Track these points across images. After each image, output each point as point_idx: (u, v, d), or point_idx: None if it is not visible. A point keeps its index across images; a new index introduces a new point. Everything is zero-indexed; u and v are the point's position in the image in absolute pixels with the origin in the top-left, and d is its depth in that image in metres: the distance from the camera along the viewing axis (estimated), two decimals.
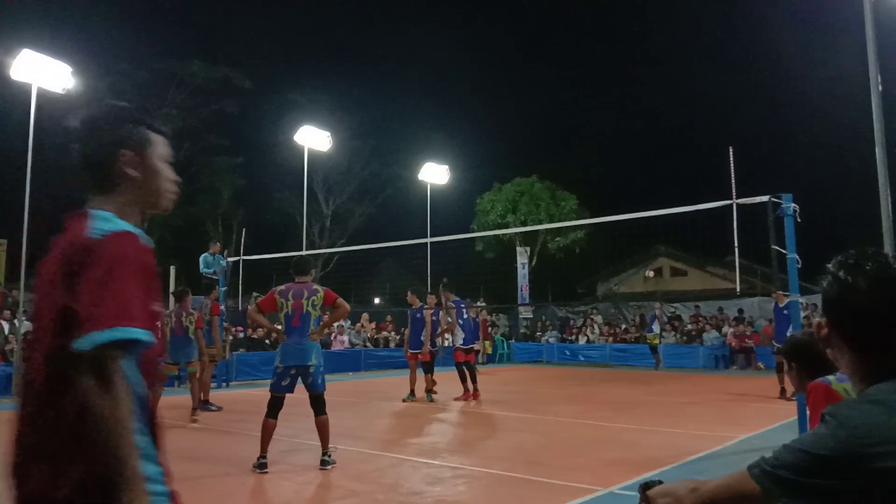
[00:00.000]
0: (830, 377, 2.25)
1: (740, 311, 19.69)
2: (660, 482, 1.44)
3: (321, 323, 6.29)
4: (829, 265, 1.29)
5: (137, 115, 1.70)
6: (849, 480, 1.08)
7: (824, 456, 1.10)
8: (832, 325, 1.28)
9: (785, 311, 11.52)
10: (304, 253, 17.13)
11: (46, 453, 1.42)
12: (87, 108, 1.67)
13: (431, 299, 11.50)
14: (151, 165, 1.68)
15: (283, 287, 6.15)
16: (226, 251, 16.31)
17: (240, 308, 19.15)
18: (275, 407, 5.85)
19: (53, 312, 1.45)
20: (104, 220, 1.52)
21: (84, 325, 1.36)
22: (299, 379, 5.93)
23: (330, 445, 5.99)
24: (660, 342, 18.62)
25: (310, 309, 6.00)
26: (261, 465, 5.70)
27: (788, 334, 11.42)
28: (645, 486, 1.45)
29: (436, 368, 11.46)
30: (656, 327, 18.40)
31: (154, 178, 1.68)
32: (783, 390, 11.16)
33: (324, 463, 5.89)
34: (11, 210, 14.56)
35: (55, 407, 1.42)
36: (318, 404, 5.95)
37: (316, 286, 6.22)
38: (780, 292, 11.71)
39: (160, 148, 1.71)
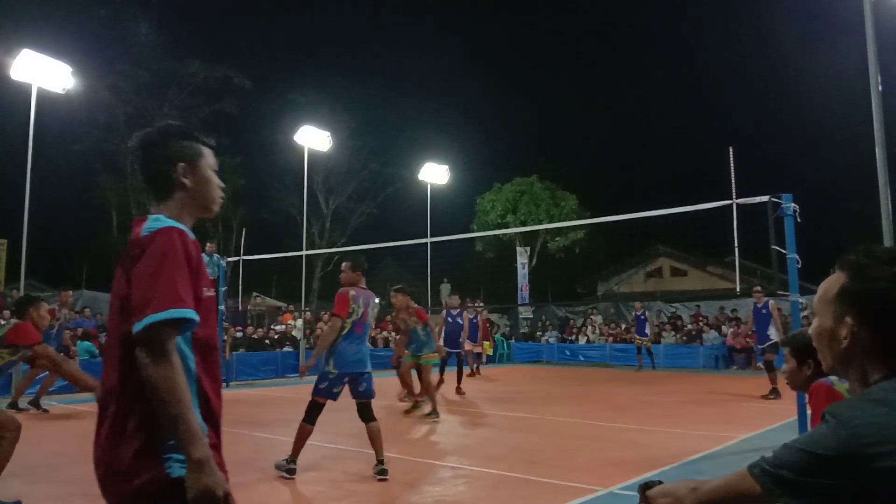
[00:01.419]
0: (832, 377, 2.24)
1: (733, 311, 19.59)
2: (660, 482, 1.45)
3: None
4: (873, 260, 1.22)
5: (189, 131, 1.91)
6: (849, 480, 1.08)
7: (825, 455, 1.10)
8: (864, 322, 1.22)
9: (763, 311, 11.45)
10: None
11: (118, 422, 1.64)
12: (144, 130, 1.91)
13: (454, 300, 11.40)
14: (203, 175, 1.89)
15: (353, 292, 5.78)
16: (222, 251, 16.19)
17: (239, 308, 19.14)
18: (316, 413, 5.59)
19: (118, 302, 1.70)
20: (154, 221, 1.73)
21: (141, 311, 1.58)
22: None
23: (331, 445, 5.96)
24: (650, 344, 17.69)
25: (370, 320, 5.87)
26: (290, 471, 5.50)
27: (768, 332, 11.33)
28: (645, 486, 1.45)
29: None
30: (648, 330, 17.39)
31: (205, 186, 1.89)
32: (774, 389, 11.06)
33: (382, 472, 5.48)
34: (11, 210, 14.56)
35: (124, 381, 1.65)
36: (368, 411, 5.67)
37: (374, 296, 6.02)
38: (757, 291, 11.57)
39: (209, 159, 1.92)
